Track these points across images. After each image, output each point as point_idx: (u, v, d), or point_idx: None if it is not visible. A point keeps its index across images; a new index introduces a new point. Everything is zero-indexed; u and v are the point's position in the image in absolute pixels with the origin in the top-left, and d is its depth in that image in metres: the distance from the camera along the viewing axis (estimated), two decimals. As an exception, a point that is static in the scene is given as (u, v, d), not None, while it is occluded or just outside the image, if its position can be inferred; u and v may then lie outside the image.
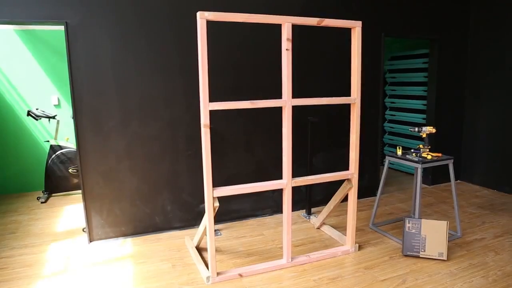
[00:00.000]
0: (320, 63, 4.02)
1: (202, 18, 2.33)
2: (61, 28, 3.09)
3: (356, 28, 2.82)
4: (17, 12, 2.91)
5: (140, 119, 3.39)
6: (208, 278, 2.69)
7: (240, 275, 2.77)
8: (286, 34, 2.58)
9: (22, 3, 2.92)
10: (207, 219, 2.61)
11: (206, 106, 2.45)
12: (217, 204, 2.61)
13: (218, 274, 2.73)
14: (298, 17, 2.61)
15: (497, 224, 3.63)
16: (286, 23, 2.57)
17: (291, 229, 2.88)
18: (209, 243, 2.64)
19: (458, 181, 5.06)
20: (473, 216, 3.87)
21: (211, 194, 2.58)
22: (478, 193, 4.59)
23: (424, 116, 5.05)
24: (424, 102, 5.02)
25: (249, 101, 2.58)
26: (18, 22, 2.96)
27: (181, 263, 3.00)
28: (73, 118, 3.21)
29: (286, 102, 2.68)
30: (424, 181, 4.99)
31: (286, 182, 2.80)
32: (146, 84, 3.37)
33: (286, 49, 2.59)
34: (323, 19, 2.67)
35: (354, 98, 2.91)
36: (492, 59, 4.60)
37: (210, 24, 3.18)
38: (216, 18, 2.39)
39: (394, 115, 5.73)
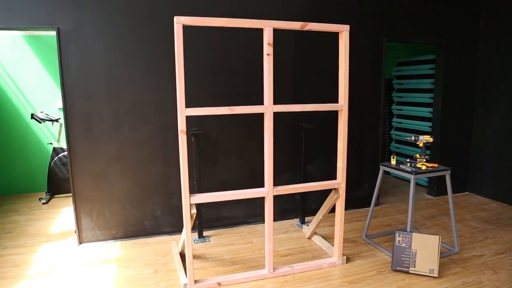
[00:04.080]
0: (321, 68, 3.93)
1: (178, 23, 2.31)
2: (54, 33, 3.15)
3: (343, 32, 2.73)
4: (11, 18, 3.00)
5: (131, 124, 3.41)
6: (185, 285, 2.65)
7: (219, 284, 2.72)
8: (267, 38, 2.52)
9: (16, 9, 3.00)
10: (184, 226, 2.57)
11: (182, 112, 2.42)
12: (194, 211, 2.58)
13: (196, 282, 2.68)
14: (279, 21, 2.54)
15: (500, 240, 3.41)
16: (267, 27, 2.51)
17: (272, 238, 2.79)
18: (187, 250, 2.60)
19: (466, 192, 4.82)
20: (476, 230, 3.65)
21: (188, 201, 2.55)
22: (485, 206, 4.34)
23: (431, 124, 4.84)
24: (431, 109, 4.82)
25: (227, 107, 2.53)
26: (12, 28, 3.05)
27: (163, 269, 2.98)
28: (62, 120, 3.26)
29: (267, 108, 2.62)
30: (429, 192, 4.78)
31: (267, 191, 2.72)
32: (137, 89, 3.39)
33: (267, 54, 2.53)
34: (306, 23, 2.60)
35: (342, 104, 2.82)
36: (502, 66, 4.36)
37: (205, 29, 3.17)
38: (193, 23, 2.36)
39: (401, 123, 5.53)
